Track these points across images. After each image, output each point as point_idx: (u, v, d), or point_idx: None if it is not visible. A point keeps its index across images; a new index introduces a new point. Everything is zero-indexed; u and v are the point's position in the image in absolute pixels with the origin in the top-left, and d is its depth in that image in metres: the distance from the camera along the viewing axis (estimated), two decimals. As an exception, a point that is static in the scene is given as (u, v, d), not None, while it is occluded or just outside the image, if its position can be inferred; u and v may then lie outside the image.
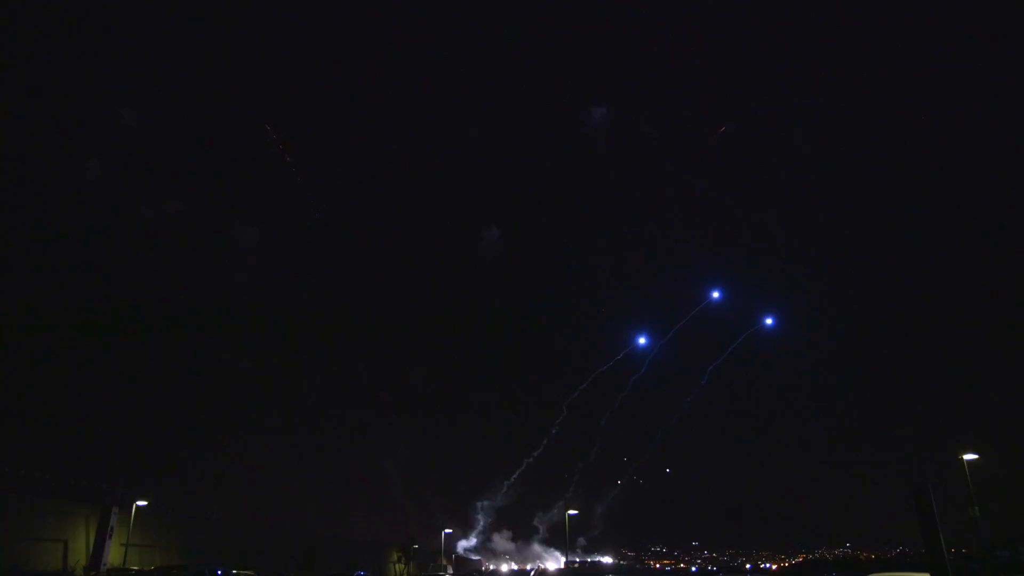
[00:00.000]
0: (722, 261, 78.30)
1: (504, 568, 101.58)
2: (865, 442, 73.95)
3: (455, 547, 75.81)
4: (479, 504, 77.72)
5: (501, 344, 79.98)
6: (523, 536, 79.05)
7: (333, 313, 75.76)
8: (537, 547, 79.90)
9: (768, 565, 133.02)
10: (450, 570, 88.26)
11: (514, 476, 76.62)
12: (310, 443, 72.75)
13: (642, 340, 77.22)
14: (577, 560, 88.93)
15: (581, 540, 75.68)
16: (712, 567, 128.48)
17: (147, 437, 67.94)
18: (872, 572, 42.51)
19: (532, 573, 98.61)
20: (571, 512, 70.31)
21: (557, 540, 79.37)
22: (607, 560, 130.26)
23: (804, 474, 74.94)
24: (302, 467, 72.79)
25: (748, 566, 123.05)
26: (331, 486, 73.91)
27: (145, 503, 45.24)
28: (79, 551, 42.01)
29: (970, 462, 39.94)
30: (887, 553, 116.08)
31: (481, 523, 77.62)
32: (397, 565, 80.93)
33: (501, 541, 79.00)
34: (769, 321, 77.06)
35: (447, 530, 79.02)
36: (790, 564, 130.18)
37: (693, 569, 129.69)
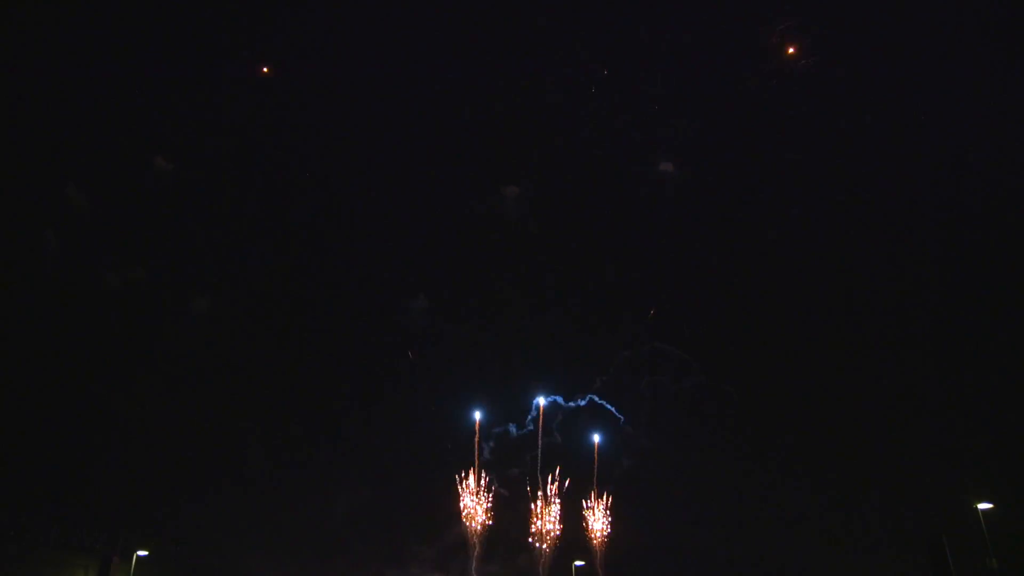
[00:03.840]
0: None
1: None
2: (875, 490, 71.99)
3: None
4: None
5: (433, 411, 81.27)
6: None
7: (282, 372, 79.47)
8: None
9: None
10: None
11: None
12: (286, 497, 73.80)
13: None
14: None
15: None
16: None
17: (148, 484, 67.56)
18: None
19: None
20: (578, 563, 68.76)
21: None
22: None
23: (811, 523, 72.88)
24: (288, 519, 72.88)
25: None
26: (314, 538, 73.57)
27: (146, 553, 44.59)
28: (77, 603, 41.31)
29: (985, 511, 39.15)
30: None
31: None
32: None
33: None
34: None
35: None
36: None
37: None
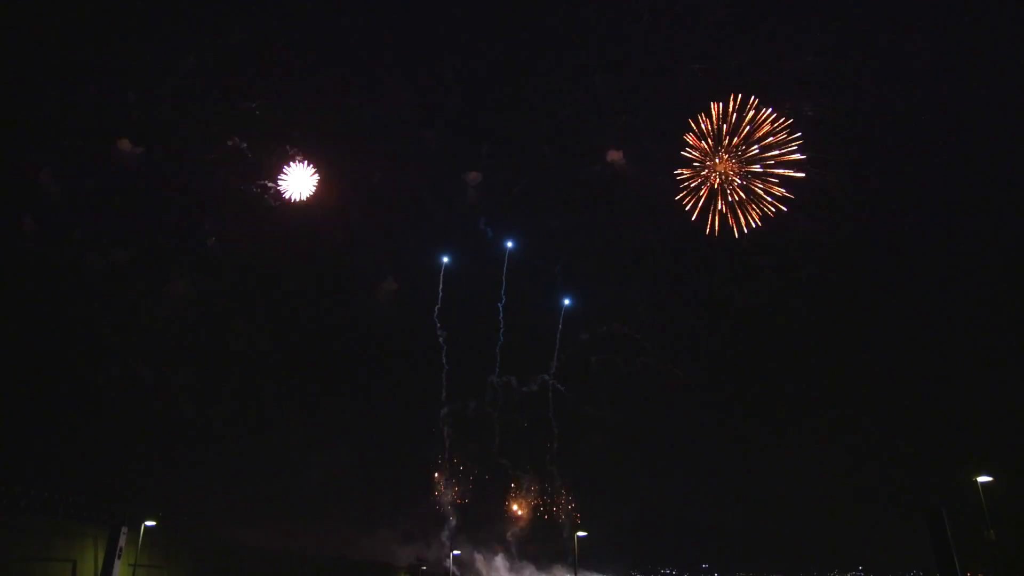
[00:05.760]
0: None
1: None
2: (875, 462, 72.57)
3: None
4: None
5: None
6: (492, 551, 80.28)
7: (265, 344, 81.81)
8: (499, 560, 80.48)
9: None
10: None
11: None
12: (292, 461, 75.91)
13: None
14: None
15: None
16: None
17: (156, 455, 68.75)
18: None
19: None
20: (580, 534, 69.73)
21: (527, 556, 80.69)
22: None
23: (812, 494, 73.82)
24: (297, 486, 74.36)
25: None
26: (322, 504, 75.10)
27: (154, 523, 45.16)
28: (87, 571, 41.92)
29: (984, 484, 39.45)
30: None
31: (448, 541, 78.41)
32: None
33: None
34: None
35: (455, 552, 78.67)
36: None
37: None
